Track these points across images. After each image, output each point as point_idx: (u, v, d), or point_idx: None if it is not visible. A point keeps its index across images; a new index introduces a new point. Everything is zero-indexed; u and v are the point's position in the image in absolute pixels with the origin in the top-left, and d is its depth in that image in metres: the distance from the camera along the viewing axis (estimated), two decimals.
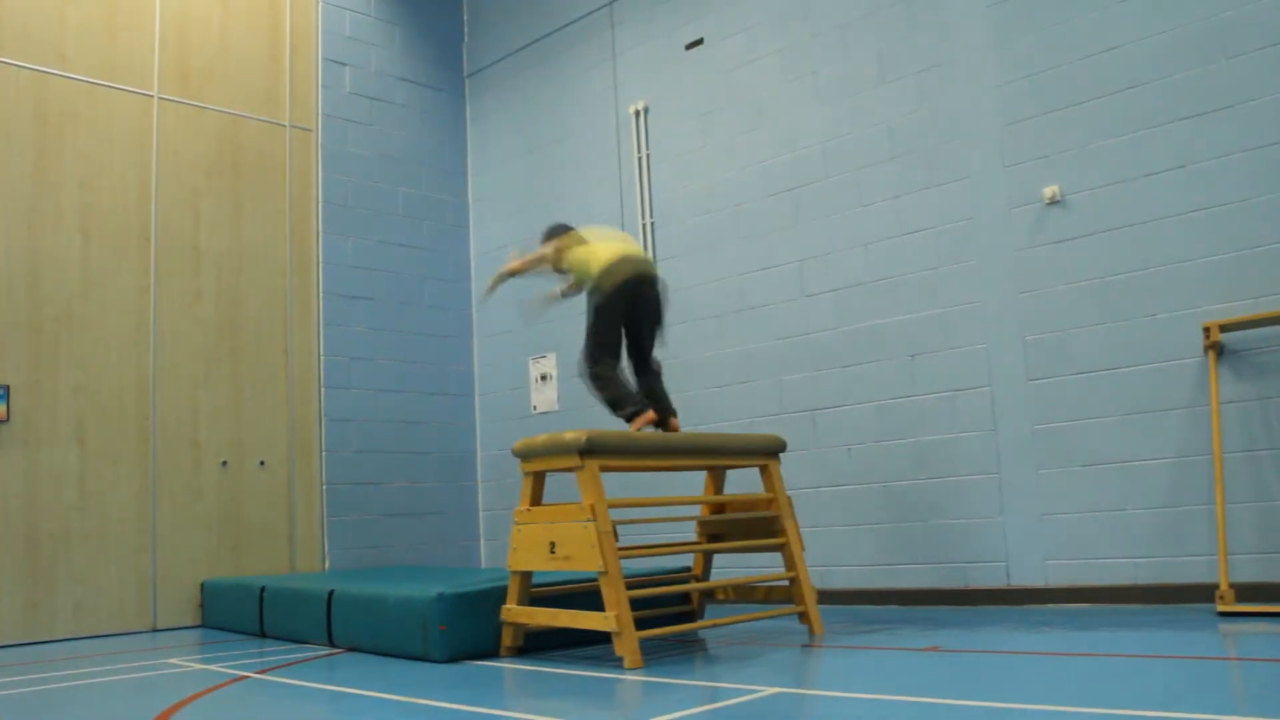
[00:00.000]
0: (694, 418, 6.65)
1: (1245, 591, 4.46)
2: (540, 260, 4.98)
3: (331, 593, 5.07)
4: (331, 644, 5.02)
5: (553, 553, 4.07)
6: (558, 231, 5.08)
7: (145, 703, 3.61)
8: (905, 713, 2.71)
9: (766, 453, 4.76)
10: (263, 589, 5.73)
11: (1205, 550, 4.66)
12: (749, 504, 4.81)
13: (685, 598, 5.04)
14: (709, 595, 5.10)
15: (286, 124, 7.50)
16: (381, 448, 7.63)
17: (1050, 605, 5.05)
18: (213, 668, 4.49)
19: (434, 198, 8.23)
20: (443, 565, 7.65)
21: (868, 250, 5.88)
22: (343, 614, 4.95)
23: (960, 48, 5.61)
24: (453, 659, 4.24)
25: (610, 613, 3.85)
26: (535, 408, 7.78)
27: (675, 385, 6.77)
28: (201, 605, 6.62)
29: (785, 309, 6.24)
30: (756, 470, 4.85)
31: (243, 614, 5.93)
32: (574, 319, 7.56)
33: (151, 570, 6.51)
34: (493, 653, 4.35)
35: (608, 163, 7.36)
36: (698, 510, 5.23)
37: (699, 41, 6.86)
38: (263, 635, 5.70)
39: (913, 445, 5.64)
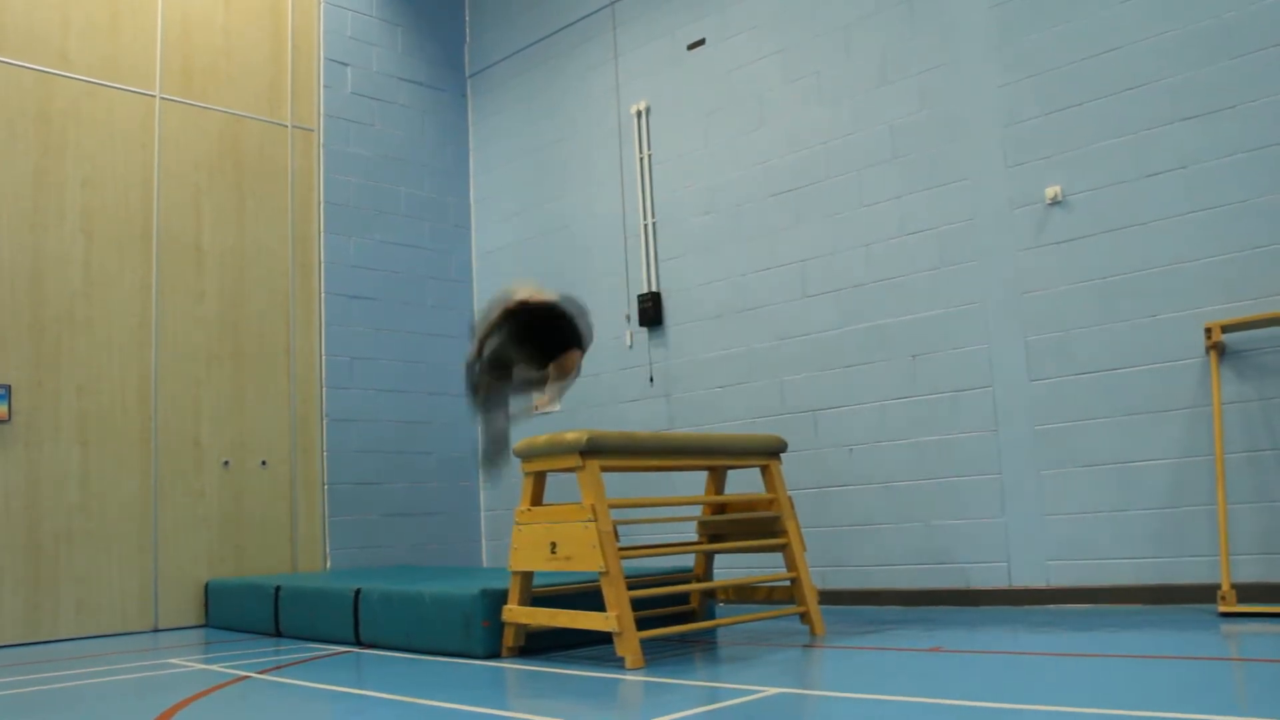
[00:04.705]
0: (695, 418, 6.65)
1: (1247, 592, 4.46)
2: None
3: (359, 591, 5.08)
4: (359, 642, 5.04)
5: (554, 553, 4.07)
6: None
7: (149, 702, 3.61)
8: (907, 714, 2.71)
9: (768, 453, 4.76)
10: (278, 589, 5.73)
11: (1207, 551, 4.65)
12: (750, 504, 4.81)
13: (686, 598, 5.04)
14: (710, 596, 5.10)
15: (288, 124, 7.51)
16: (383, 448, 7.63)
17: (1052, 606, 5.05)
18: (214, 668, 4.49)
19: (436, 198, 8.23)
20: (446, 565, 7.64)
21: (869, 250, 5.87)
22: (372, 612, 4.96)
23: (962, 48, 5.61)
24: (492, 655, 4.30)
25: (611, 613, 3.85)
26: (535, 408, 7.77)
27: (677, 386, 6.79)
28: (205, 605, 6.63)
29: (787, 309, 6.23)
30: (758, 470, 4.85)
31: (254, 614, 5.94)
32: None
33: (153, 570, 6.52)
34: (523, 649, 4.43)
35: (609, 163, 7.36)
36: (699, 510, 5.23)
37: (701, 42, 6.85)
38: (278, 634, 5.71)
39: (914, 445, 5.64)
